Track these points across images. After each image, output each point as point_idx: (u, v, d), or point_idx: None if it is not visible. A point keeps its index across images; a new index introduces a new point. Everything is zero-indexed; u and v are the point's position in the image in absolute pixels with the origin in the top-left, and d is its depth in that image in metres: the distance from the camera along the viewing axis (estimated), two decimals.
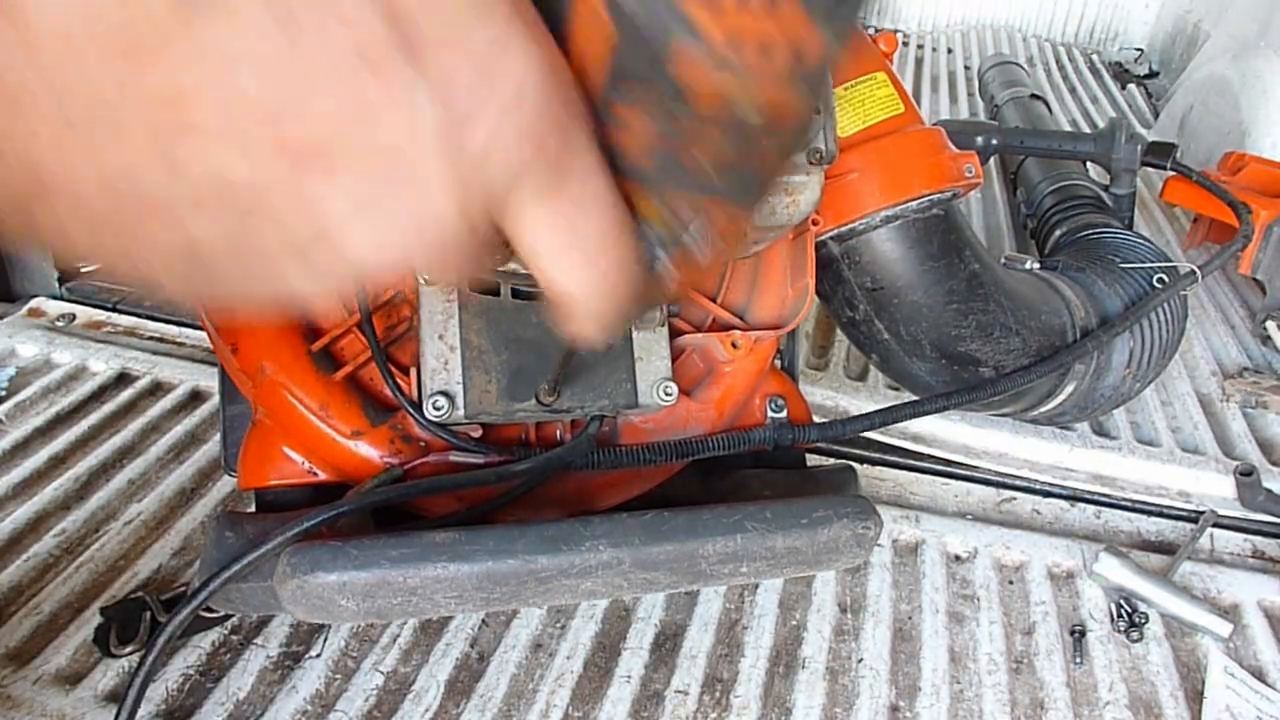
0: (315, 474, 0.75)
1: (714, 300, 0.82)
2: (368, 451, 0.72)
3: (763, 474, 0.82)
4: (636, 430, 0.78)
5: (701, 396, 0.79)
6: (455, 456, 0.72)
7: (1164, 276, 1.07)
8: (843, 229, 0.91)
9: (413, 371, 0.70)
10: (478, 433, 0.72)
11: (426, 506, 0.74)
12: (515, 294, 0.70)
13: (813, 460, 0.91)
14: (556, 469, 0.72)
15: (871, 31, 0.99)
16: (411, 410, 0.69)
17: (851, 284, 0.94)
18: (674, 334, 0.78)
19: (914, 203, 0.90)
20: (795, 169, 0.67)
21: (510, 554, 0.61)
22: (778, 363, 0.88)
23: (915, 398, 0.94)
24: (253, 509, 0.75)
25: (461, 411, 0.68)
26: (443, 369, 0.68)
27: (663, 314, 0.73)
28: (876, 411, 0.87)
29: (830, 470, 0.85)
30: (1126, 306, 1.05)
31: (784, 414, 0.84)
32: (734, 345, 0.79)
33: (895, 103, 0.94)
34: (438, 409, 0.67)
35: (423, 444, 0.72)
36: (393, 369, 0.71)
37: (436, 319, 0.68)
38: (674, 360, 0.75)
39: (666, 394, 0.73)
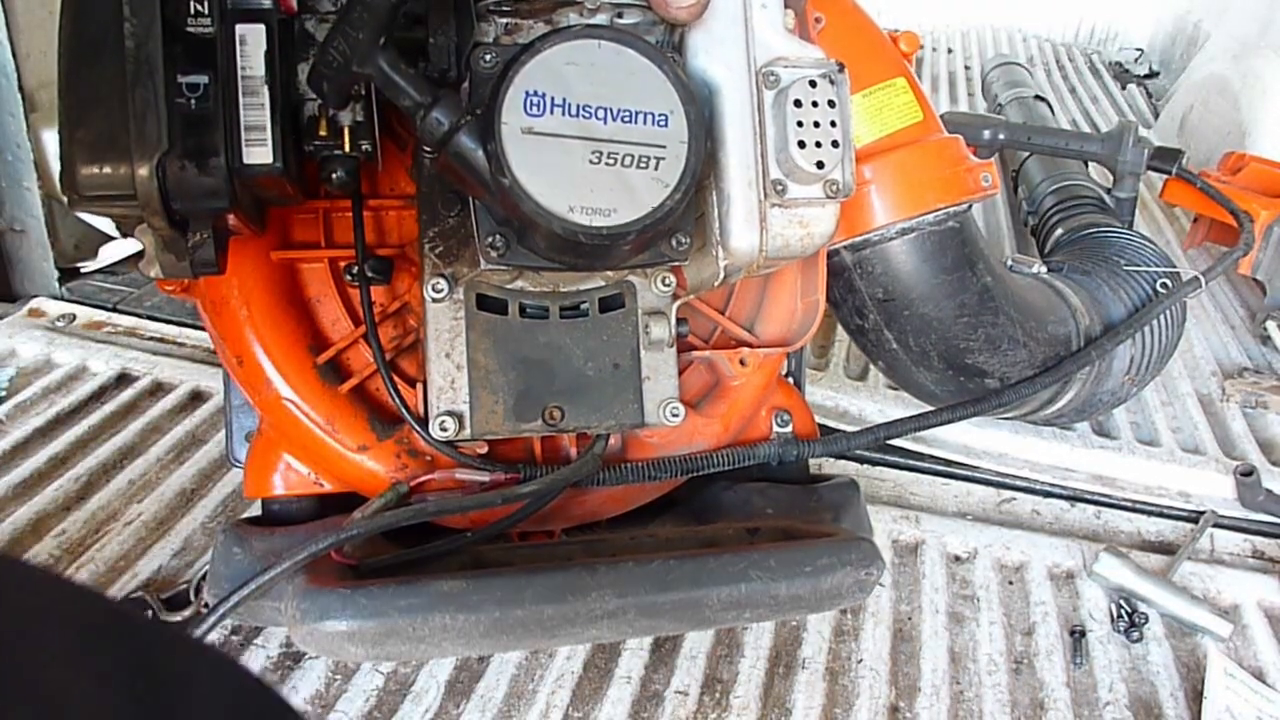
0: (321, 485, 0.75)
1: (722, 311, 0.82)
2: (374, 466, 0.72)
3: (765, 489, 0.83)
4: (643, 444, 0.78)
5: (708, 410, 0.79)
6: (461, 473, 0.72)
7: (1167, 282, 1.07)
8: (856, 239, 0.89)
9: (419, 385, 0.70)
10: (484, 448, 0.72)
11: (437, 520, 0.74)
12: (523, 312, 0.70)
13: (814, 463, 0.91)
14: (563, 488, 0.72)
15: (892, 31, 0.97)
16: (418, 429, 0.69)
17: (863, 294, 0.93)
18: (682, 348, 0.77)
19: (929, 216, 0.89)
20: (811, 201, 0.66)
21: (518, 604, 0.63)
22: (783, 369, 0.88)
23: (918, 409, 0.94)
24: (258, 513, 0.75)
25: (468, 432, 0.68)
26: (450, 388, 0.68)
27: (672, 334, 0.72)
28: (880, 425, 0.87)
29: (833, 486, 0.85)
30: (1130, 312, 1.05)
31: (789, 428, 0.84)
32: (742, 363, 0.79)
33: (914, 110, 0.92)
34: (444, 430, 0.67)
35: (429, 458, 0.72)
36: (399, 382, 0.71)
37: (443, 337, 0.68)
38: (681, 371, 0.75)
39: (673, 414, 0.72)
